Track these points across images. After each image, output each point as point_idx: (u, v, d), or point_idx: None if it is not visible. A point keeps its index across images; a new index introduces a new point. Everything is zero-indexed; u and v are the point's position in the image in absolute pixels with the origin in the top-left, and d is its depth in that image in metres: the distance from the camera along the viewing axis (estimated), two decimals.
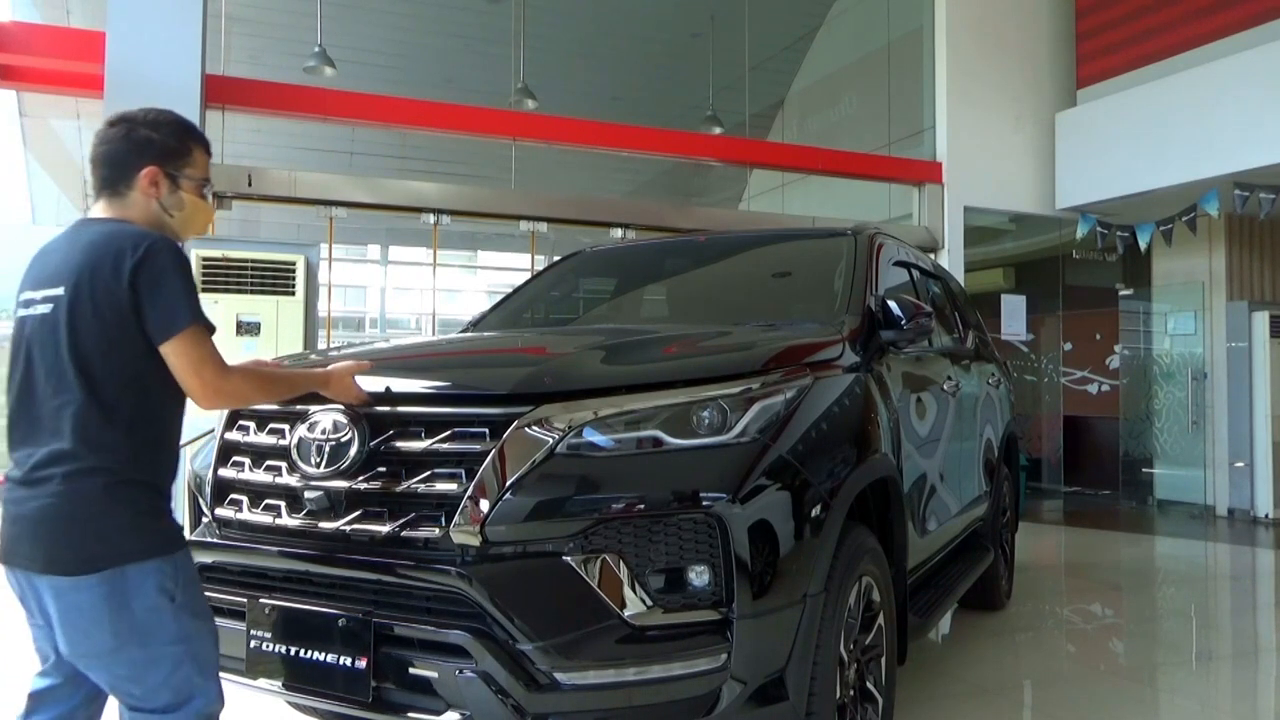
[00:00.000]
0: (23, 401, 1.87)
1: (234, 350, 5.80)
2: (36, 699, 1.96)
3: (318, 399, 2.26)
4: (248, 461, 2.40)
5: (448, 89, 10.47)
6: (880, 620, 2.68)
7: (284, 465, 2.32)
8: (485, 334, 3.66)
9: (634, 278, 4.15)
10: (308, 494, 2.24)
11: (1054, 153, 9.15)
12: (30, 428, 1.85)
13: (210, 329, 1.90)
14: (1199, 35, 8.07)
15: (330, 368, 2.22)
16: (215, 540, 2.40)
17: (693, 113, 10.96)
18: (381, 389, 2.27)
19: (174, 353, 1.84)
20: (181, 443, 2.02)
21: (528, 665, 1.99)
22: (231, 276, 6.13)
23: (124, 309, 1.80)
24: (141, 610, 1.82)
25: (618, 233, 7.73)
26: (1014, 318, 9.34)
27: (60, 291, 1.83)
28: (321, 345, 7.03)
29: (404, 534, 2.12)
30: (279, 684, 2.23)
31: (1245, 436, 9.16)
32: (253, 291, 6.45)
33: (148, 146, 1.95)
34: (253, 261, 6.60)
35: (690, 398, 2.20)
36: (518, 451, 2.07)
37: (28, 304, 1.90)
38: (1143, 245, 9.13)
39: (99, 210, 1.97)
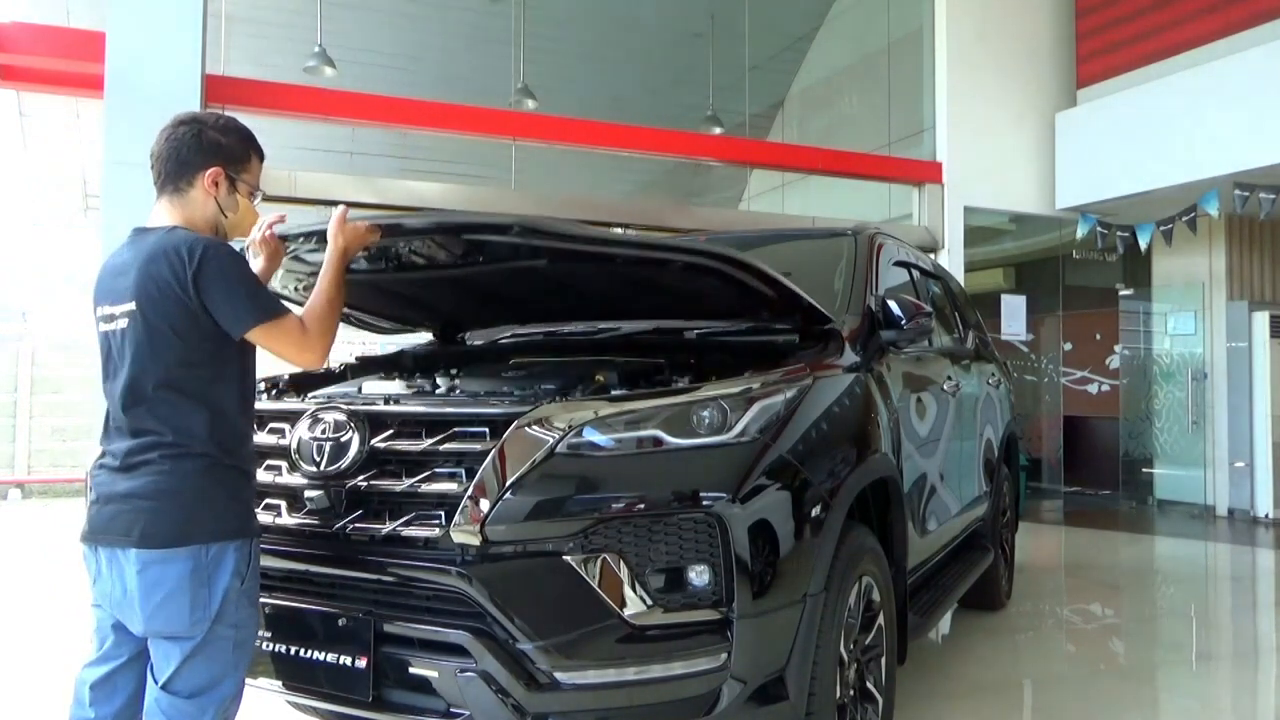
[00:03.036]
0: (121, 403, 1.97)
1: None
2: (98, 689, 2.02)
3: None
4: None
5: (448, 89, 10.46)
6: (880, 620, 2.68)
7: (284, 465, 2.32)
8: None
9: None
10: (308, 493, 2.24)
11: (1054, 153, 9.14)
12: (129, 424, 1.95)
13: (281, 312, 2.01)
14: (1199, 35, 8.06)
15: (332, 228, 2.19)
16: None
17: (693, 113, 10.95)
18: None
19: (257, 339, 2.01)
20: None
21: (528, 665, 1.99)
22: None
23: (195, 312, 1.93)
24: (219, 590, 1.93)
25: (618, 232, 7.72)
26: (1014, 318, 9.33)
27: (133, 306, 1.94)
28: None
29: (404, 533, 2.12)
30: (279, 684, 2.24)
31: (1245, 436, 9.15)
32: None
33: (215, 149, 2.07)
34: None
35: (690, 397, 2.21)
36: (518, 451, 2.07)
37: (109, 319, 2.00)
38: (1143, 245, 9.12)
39: (159, 210, 2.07)
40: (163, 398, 1.93)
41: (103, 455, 2.00)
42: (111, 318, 1.99)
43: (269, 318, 1.98)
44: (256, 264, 2.35)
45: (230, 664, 1.98)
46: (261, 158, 2.19)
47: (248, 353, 2.07)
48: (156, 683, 1.95)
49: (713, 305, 2.85)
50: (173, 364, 1.93)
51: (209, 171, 2.06)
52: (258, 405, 2.34)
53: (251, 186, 2.15)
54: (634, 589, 2.01)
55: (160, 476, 1.91)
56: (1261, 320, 9.16)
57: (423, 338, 3.98)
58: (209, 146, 2.06)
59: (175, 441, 1.92)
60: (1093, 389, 11.08)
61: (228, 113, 2.25)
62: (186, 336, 1.93)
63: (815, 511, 2.26)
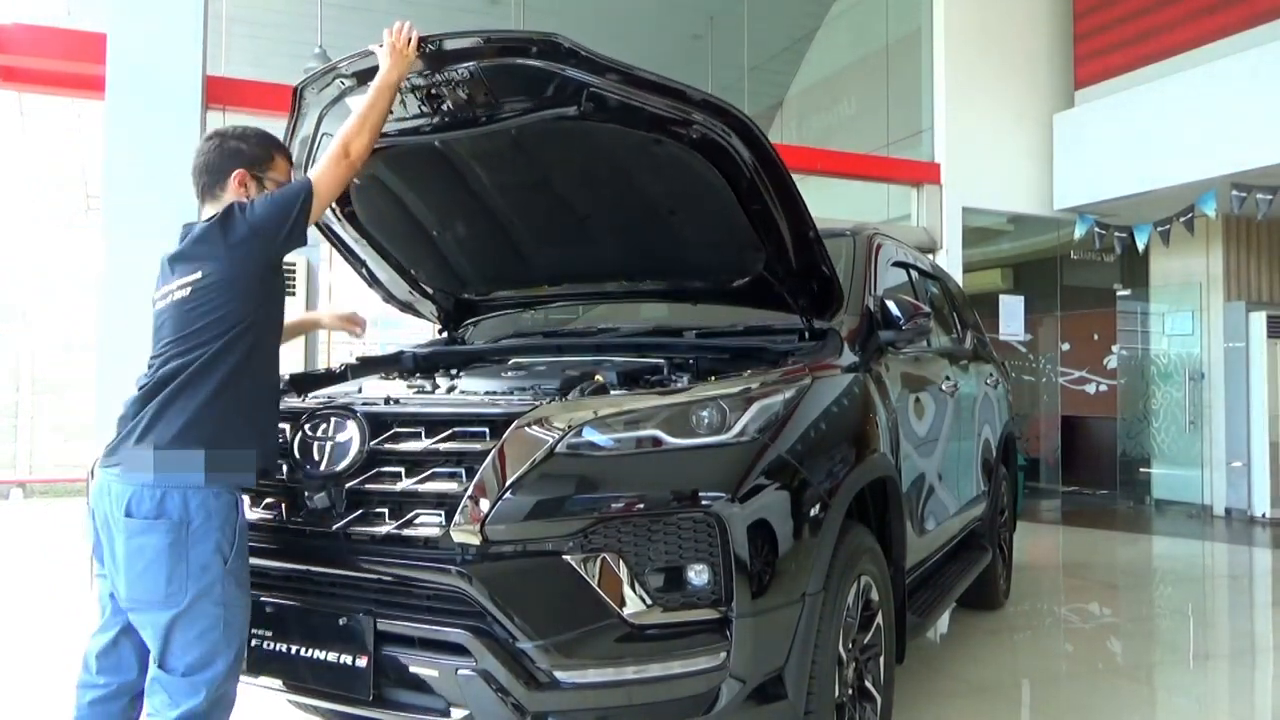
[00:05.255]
0: (160, 355, 2.15)
1: None
2: (104, 656, 2.18)
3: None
4: None
5: None
6: (879, 619, 2.69)
7: (284, 465, 2.33)
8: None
9: None
10: (308, 493, 2.25)
11: (1052, 153, 9.15)
12: (164, 366, 2.12)
13: (309, 185, 2.25)
14: (1198, 36, 8.07)
15: (384, 49, 2.47)
16: None
17: None
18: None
19: (320, 188, 2.27)
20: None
21: (528, 663, 2.00)
22: None
23: (268, 244, 2.18)
24: (197, 564, 2.03)
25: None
26: (1012, 318, 9.35)
27: (199, 275, 2.14)
28: (321, 345, 7.05)
29: (404, 533, 2.13)
30: (280, 683, 2.24)
31: (1242, 436, 9.17)
32: None
33: (236, 155, 2.32)
34: None
35: (690, 397, 2.22)
36: (518, 451, 2.08)
37: (165, 295, 2.18)
38: (1140, 246, 9.13)
39: (205, 213, 2.30)
40: (197, 349, 2.10)
41: (141, 378, 2.16)
42: (169, 294, 2.17)
43: (307, 184, 2.23)
44: None
45: (221, 643, 2.06)
46: (288, 157, 2.45)
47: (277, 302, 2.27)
48: (155, 661, 2.06)
49: (731, 238, 2.81)
50: (212, 320, 2.10)
51: (235, 174, 2.29)
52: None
53: (279, 181, 2.35)
54: (633, 588, 2.02)
55: (174, 399, 2.07)
56: (1259, 320, 9.18)
57: (424, 335, 3.99)
58: (231, 154, 2.31)
59: (194, 379, 2.08)
60: (1090, 389, 11.09)
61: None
62: (238, 293, 2.13)
63: (814, 511, 2.27)
